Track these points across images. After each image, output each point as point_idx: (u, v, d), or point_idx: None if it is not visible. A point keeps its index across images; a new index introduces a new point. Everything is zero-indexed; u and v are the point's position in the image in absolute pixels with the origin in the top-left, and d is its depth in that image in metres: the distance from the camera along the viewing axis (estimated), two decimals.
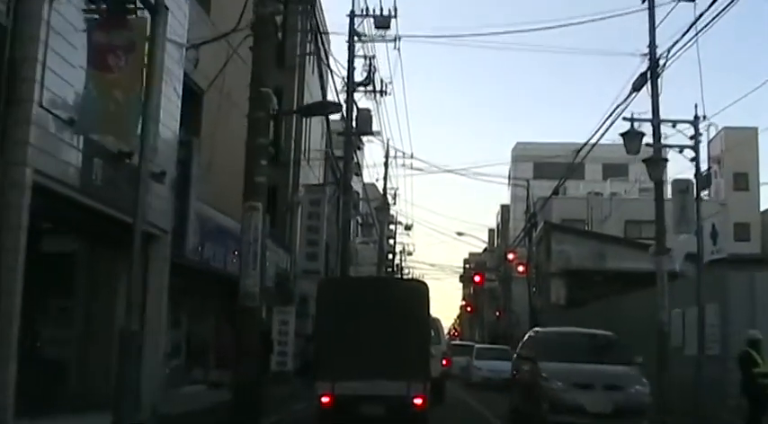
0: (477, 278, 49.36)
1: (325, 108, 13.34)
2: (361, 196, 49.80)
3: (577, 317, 33.28)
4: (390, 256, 61.28)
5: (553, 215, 43.49)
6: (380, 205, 27.02)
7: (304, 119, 28.50)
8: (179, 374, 17.29)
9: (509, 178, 57.63)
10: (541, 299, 39.39)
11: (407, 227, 69.35)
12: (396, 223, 68.41)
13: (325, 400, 12.56)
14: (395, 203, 49.29)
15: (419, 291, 13.68)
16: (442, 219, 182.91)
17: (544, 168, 54.36)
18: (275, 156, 27.45)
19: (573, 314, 34.41)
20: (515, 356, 17.56)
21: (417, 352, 12.85)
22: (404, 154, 48.11)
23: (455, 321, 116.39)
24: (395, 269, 59.95)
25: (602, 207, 46.56)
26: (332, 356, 12.87)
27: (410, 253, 71.35)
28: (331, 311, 13.29)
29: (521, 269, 38.65)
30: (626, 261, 39.27)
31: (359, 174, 55.49)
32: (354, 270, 39.77)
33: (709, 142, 49.50)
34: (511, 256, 40.31)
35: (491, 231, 65.18)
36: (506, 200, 61.01)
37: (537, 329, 17.90)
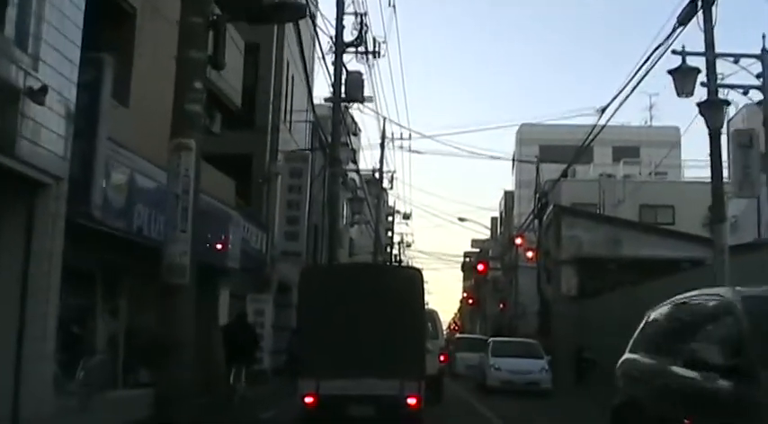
0: (480, 267, 45.47)
1: (283, 10, 9.37)
2: (357, 183, 46.31)
3: (593, 308, 29.97)
4: (388, 249, 57.88)
5: (562, 198, 40.05)
6: (372, 178, 23.10)
7: (284, 79, 24.65)
8: (113, 374, 13.56)
9: (513, 161, 53.75)
10: (551, 289, 35.69)
11: (406, 216, 65.96)
12: (393, 212, 64.85)
13: (308, 400, 11.38)
14: (391, 187, 45.81)
15: (412, 279, 12.34)
16: (442, 203, 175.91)
17: (551, 151, 50.52)
18: (250, 120, 23.68)
19: (588, 305, 31.20)
20: (634, 355, 8.09)
21: (411, 347, 11.62)
22: (401, 135, 44.05)
23: (455, 315, 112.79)
24: (393, 260, 56.25)
25: (615, 190, 43.05)
26: (316, 351, 11.62)
27: (409, 245, 67.90)
28: (315, 301, 12.00)
29: (529, 255, 34.79)
30: (643, 248, 36.43)
31: (355, 162, 51.99)
32: (347, 259, 36.04)
33: (729, 120, 45.02)
34: (519, 241, 36.41)
35: (494, 219, 61.32)
36: (510, 186, 57.17)
37: (724, 289, 7.20)
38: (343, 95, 25.08)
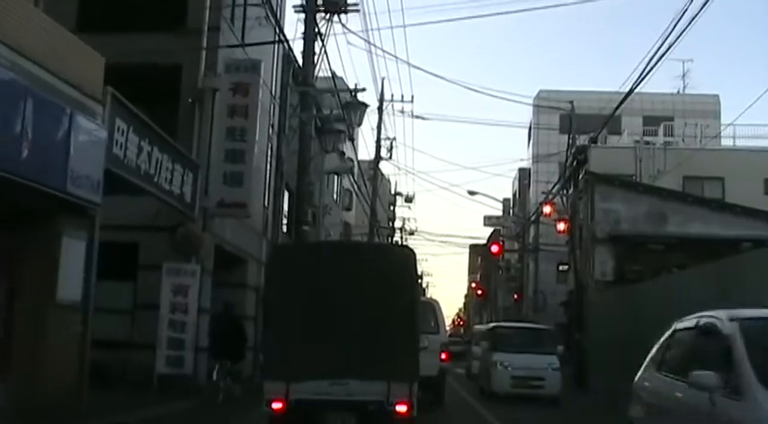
0: (494, 248, 37.96)
1: None
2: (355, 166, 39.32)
3: (633, 296, 23.29)
4: (389, 238, 50.91)
5: (591, 168, 33.01)
6: (354, 100, 15.54)
7: None
8: None
9: (530, 131, 46.31)
10: (585, 272, 28.52)
11: (408, 199, 59.06)
12: (395, 196, 57.99)
13: (276, 406, 8.97)
14: (390, 157, 39.17)
15: (404, 260, 9.83)
16: (448, 173, 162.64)
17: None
18: (179, 18, 16.23)
19: (628, 293, 24.24)
20: None
21: (402, 343, 9.27)
22: (402, 96, 36.58)
23: (459, 309, 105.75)
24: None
25: (654, 159, 35.85)
26: (286, 348, 9.22)
27: (412, 233, 60.72)
28: (285, 287, 9.53)
29: (561, 227, 27.31)
30: (692, 225, 28.68)
31: (352, 139, 44.93)
32: (321, 224, 28.65)
33: None
34: (547, 209, 28.89)
35: (506, 200, 53.74)
36: (525, 163, 49.60)
37: None
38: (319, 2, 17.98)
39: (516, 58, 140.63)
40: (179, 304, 14.22)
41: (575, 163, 24.92)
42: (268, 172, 20.19)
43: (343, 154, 33.77)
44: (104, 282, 15.88)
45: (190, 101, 15.29)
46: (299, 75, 17.84)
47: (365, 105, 15.47)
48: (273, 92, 20.25)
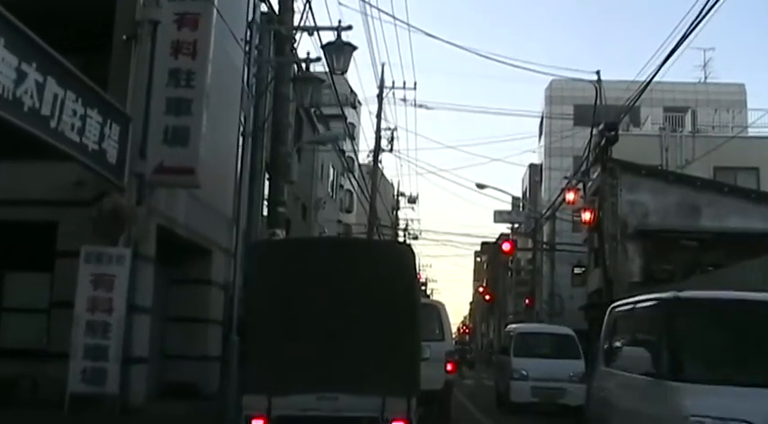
0: (506, 246, 34.41)
1: None
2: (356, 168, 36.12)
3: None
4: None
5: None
6: (339, 41, 12.11)
7: None
8: None
9: (541, 123, 42.73)
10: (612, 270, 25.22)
11: (411, 200, 55.88)
12: (397, 198, 54.89)
13: (256, 423, 8.24)
14: (391, 149, 36.10)
15: (401, 259, 8.85)
16: (454, 162, 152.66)
17: (587, 111, 39.81)
18: None
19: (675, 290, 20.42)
20: None
21: (400, 352, 8.47)
22: (404, 83, 33.50)
23: (465, 317, 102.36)
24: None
25: (682, 148, 32.66)
26: (268, 357, 8.38)
27: (416, 237, 57.39)
28: (267, 289, 8.62)
29: (586, 217, 23.81)
30: (729, 218, 25.79)
31: (352, 138, 41.70)
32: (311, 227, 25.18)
33: None
34: (571, 196, 25.29)
35: (515, 198, 50.21)
36: (535, 158, 46.10)
37: None
38: None
39: (525, 55, 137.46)
40: (100, 300, 10.54)
41: (602, 141, 21.33)
42: (241, 146, 16.60)
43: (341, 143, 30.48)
44: (11, 273, 12.49)
45: (124, 38, 11.69)
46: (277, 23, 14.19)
47: (352, 46, 11.92)
48: (250, 57, 16.67)
